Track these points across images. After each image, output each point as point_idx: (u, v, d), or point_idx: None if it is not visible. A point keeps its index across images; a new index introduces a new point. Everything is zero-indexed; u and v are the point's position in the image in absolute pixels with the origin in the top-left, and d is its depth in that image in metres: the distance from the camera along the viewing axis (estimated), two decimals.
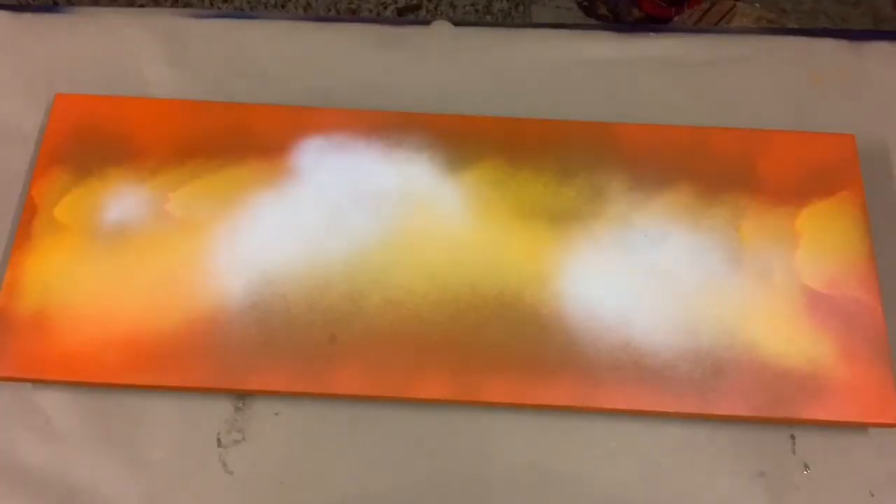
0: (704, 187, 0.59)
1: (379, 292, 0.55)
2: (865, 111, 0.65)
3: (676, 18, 1.27)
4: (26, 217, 0.58)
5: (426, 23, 0.69)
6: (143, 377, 0.54)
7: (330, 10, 1.28)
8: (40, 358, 0.54)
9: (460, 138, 0.60)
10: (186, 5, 1.40)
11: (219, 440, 0.55)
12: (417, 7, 1.19)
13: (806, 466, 0.55)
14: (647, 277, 0.56)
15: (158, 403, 0.55)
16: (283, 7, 1.29)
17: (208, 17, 0.69)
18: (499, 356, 0.54)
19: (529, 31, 0.69)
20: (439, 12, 1.29)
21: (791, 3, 1.48)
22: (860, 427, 0.55)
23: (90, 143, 0.60)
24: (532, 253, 0.57)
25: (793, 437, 0.55)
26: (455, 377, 0.53)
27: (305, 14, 1.22)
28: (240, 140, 0.60)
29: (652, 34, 0.69)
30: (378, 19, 0.70)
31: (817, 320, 0.55)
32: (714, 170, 0.60)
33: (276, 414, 0.55)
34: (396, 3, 1.42)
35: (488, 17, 1.26)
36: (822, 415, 0.53)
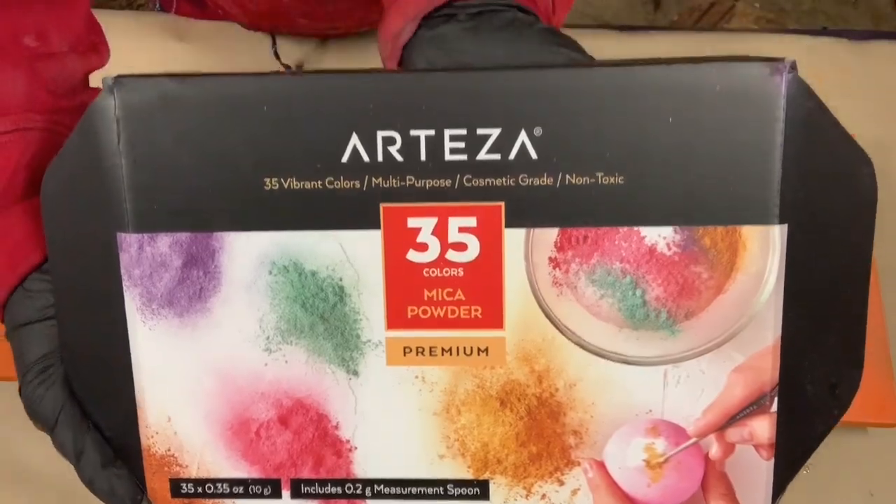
0: None
1: None
2: (865, 111, 0.65)
3: (677, 17, 1.27)
4: None
5: None
6: None
7: None
8: None
9: None
10: None
11: None
12: None
13: (806, 466, 0.54)
14: None
15: None
16: None
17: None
18: None
19: None
20: None
21: (791, 3, 1.48)
22: (860, 427, 0.55)
23: None
24: None
25: None
26: None
27: None
28: None
29: (653, 32, 0.69)
30: None
31: None
32: None
33: None
34: None
35: None
36: None
